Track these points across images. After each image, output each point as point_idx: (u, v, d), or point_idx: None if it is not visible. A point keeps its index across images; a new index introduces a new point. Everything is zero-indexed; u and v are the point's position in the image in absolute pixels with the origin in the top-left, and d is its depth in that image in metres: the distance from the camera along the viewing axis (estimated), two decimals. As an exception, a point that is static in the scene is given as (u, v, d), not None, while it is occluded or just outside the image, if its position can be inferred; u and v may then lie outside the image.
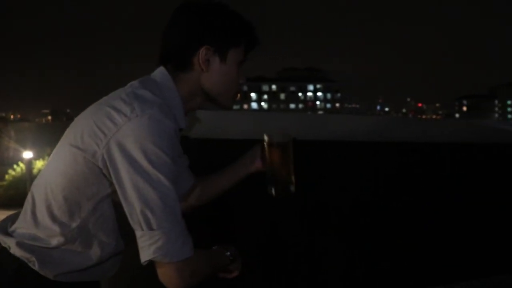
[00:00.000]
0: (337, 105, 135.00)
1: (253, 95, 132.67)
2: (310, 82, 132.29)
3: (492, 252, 3.23)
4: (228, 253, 1.60)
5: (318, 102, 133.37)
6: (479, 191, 3.24)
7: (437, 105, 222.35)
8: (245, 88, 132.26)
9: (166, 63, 1.53)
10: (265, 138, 1.68)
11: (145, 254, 1.34)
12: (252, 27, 1.59)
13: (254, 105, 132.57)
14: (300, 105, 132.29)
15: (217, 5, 1.54)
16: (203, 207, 1.79)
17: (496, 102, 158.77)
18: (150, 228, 1.32)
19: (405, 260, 3.06)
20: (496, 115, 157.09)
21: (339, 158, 2.95)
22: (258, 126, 2.32)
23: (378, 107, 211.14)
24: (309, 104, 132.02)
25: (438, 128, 3.57)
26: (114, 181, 1.35)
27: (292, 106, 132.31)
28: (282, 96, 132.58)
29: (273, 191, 1.70)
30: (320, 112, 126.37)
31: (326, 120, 3.44)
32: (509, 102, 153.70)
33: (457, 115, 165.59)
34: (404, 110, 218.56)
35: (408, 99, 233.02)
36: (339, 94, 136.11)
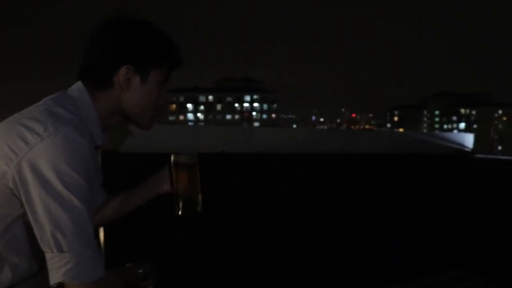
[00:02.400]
0: (273, 115, 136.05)
1: (189, 106, 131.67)
2: (247, 93, 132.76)
3: (421, 253, 3.39)
4: (141, 270, 1.56)
5: (254, 113, 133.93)
6: (402, 199, 3.40)
7: (370, 115, 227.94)
8: (181, 99, 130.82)
9: (85, 78, 1.47)
10: (172, 158, 1.66)
11: (55, 276, 1.28)
12: (176, 48, 1.54)
13: (190, 116, 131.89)
14: (237, 116, 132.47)
15: (142, 24, 1.48)
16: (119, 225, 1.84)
17: (425, 112, 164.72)
18: (61, 250, 1.26)
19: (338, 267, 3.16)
20: (425, 124, 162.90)
21: (268, 170, 3.03)
22: (187, 139, 2.36)
23: (313, 118, 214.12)
24: (246, 115, 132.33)
25: (367, 139, 3.71)
26: (24, 202, 1.29)
27: (229, 117, 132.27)
28: (219, 106, 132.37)
29: (178, 210, 1.66)
30: (256, 124, 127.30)
31: (255, 133, 3.54)
32: (437, 112, 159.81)
33: (388, 125, 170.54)
34: (338, 120, 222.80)
35: (343, 110, 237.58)
36: (275, 105, 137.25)
